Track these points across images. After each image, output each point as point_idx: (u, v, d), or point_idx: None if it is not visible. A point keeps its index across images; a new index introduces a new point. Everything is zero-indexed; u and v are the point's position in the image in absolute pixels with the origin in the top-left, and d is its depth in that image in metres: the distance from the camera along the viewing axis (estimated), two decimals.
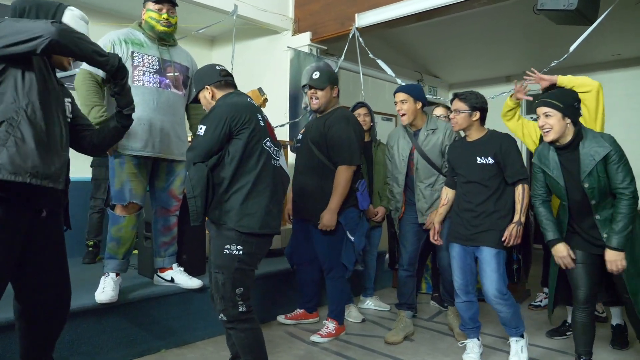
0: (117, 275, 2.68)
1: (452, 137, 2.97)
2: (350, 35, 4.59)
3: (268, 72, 5.23)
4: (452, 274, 2.73)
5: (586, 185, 2.24)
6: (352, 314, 3.47)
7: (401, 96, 2.93)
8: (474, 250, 2.66)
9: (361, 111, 3.55)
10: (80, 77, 2.57)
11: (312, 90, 2.98)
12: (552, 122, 2.27)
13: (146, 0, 2.72)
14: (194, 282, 2.90)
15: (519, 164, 2.59)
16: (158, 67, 2.70)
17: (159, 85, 2.70)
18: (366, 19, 4.52)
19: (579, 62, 5.79)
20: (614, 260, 2.21)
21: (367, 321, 3.45)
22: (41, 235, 1.76)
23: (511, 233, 2.53)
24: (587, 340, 2.37)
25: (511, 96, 3.08)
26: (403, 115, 2.93)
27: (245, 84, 4.75)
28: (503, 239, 2.54)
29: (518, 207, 2.56)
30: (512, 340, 2.64)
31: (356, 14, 4.56)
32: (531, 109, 3.22)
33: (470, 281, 2.70)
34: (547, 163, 2.37)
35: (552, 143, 2.33)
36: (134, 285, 2.90)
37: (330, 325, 3.08)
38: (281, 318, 3.38)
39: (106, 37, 2.64)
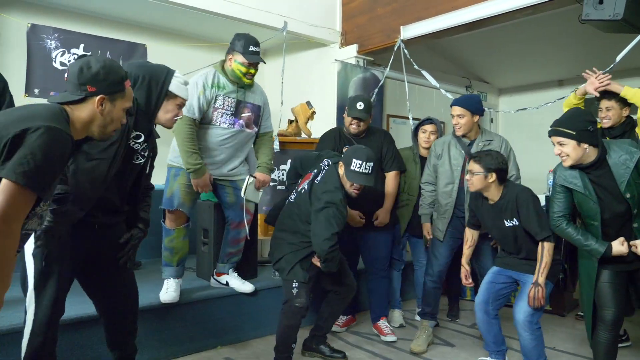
0: (176, 279, 2.95)
1: (507, 149, 2.96)
2: (396, 47, 4.72)
3: (316, 84, 5.44)
4: (479, 289, 2.72)
5: (628, 195, 2.18)
6: (395, 318, 3.58)
7: (458, 110, 2.90)
8: (516, 276, 2.63)
9: (428, 128, 3.48)
10: (182, 122, 2.78)
11: (357, 121, 3.17)
12: (568, 150, 2.22)
13: (235, 50, 2.93)
14: (246, 287, 3.14)
15: (536, 221, 2.47)
16: (235, 110, 2.99)
17: (233, 126, 2.99)
18: (411, 31, 4.63)
19: (629, 65, 5.59)
20: None
21: (408, 326, 3.56)
22: (102, 245, 2.02)
23: (532, 296, 2.42)
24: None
25: (575, 92, 3.07)
26: (459, 128, 2.93)
27: (294, 96, 5.00)
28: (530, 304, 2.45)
29: (537, 266, 2.45)
30: None
31: (401, 27, 4.68)
32: None
33: (492, 300, 2.65)
34: (575, 182, 2.29)
35: (574, 167, 2.27)
36: (192, 287, 3.18)
37: (387, 324, 3.38)
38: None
39: (195, 81, 2.89)
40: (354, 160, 2.56)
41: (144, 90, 2.02)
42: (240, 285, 3.13)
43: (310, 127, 4.33)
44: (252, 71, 2.98)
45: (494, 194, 2.60)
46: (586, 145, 2.21)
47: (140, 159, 2.02)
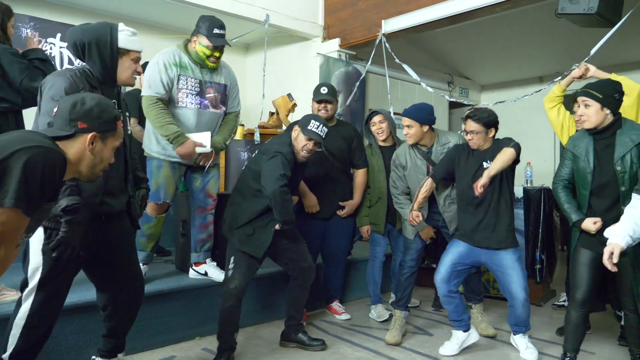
0: (144, 264, 2.96)
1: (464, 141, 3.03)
2: (377, 41, 4.74)
3: (299, 77, 5.44)
4: (440, 264, 2.81)
5: (618, 168, 2.28)
6: (378, 312, 3.58)
7: (406, 121, 2.97)
8: (487, 255, 2.73)
9: (376, 119, 3.43)
10: (148, 101, 2.82)
11: (323, 104, 3.29)
12: (590, 113, 2.32)
13: (199, 32, 2.88)
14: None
15: (510, 140, 2.66)
16: (199, 90, 2.95)
17: (199, 106, 2.95)
18: (392, 25, 4.66)
19: (611, 62, 5.70)
20: None
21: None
22: (110, 236, 2.03)
23: (478, 183, 2.58)
24: (577, 338, 2.44)
25: (560, 83, 3.11)
26: (409, 137, 3.00)
27: (276, 89, 5.00)
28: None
29: (493, 164, 2.59)
30: (519, 336, 2.80)
31: (382, 21, 4.71)
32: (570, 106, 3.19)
33: (453, 277, 2.78)
34: (580, 149, 2.41)
35: (590, 131, 2.37)
36: (171, 278, 3.16)
37: (340, 304, 3.63)
38: None
39: (155, 61, 2.87)
40: (312, 121, 2.71)
41: (96, 56, 1.96)
42: (219, 275, 3.11)
43: (291, 119, 4.33)
44: (217, 54, 2.92)
45: (487, 145, 2.76)
46: (608, 111, 2.32)
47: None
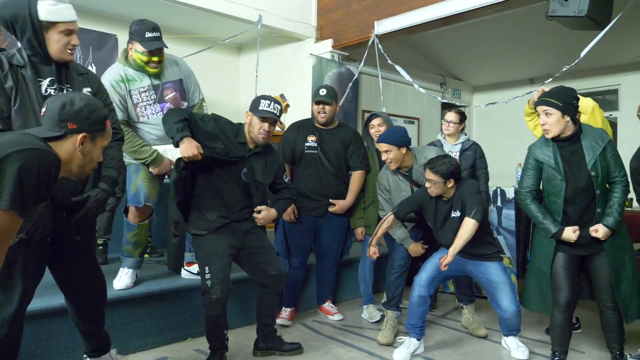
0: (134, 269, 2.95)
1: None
2: (370, 42, 4.76)
3: (292, 78, 5.45)
4: (423, 267, 2.85)
5: (593, 174, 2.32)
6: (370, 313, 3.59)
7: (384, 147, 2.96)
8: (473, 265, 2.80)
9: (375, 122, 3.42)
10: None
11: (321, 106, 3.28)
12: (552, 121, 2.35)
13: (134, 39, 2.73)
14: None
15: (474, 203, 2.61)
16: (155, 96, 2.82)
17: (162, 113, 2.82)
18: (385, 26, 4.68)
19: (601, 64, 5.77)
20: (603, 236, 2.33)
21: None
22: (68, 232, 1.99)
23: (442, 262, 2.60)
24: (564, 340, 2.48)
25: (529, 101, 3.16)
26: (389, 162, 2.98)
27: (269, 90, 4.99)
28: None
29: (456, 241, 2.57)
30: (510, 338, 2.88)
31: (375, 22, 4.73)
32: None
33: (435, 281, 2.84)
34: (546, 157, 2.42)
35: (553, 139, 2.40)
36: (163, 279, 3.15)
37: (332, 305, 3.63)
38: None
39: (105, 83, 2.65)
40: (261, 101, 2.57)
41: (19, 33, 1.83)
42: None
43: (284, 120, 4.33)
44: (155, 59, 2.73)
45: (450, 193, 2.75)
46: (568, 118, 2.34)
47: None
